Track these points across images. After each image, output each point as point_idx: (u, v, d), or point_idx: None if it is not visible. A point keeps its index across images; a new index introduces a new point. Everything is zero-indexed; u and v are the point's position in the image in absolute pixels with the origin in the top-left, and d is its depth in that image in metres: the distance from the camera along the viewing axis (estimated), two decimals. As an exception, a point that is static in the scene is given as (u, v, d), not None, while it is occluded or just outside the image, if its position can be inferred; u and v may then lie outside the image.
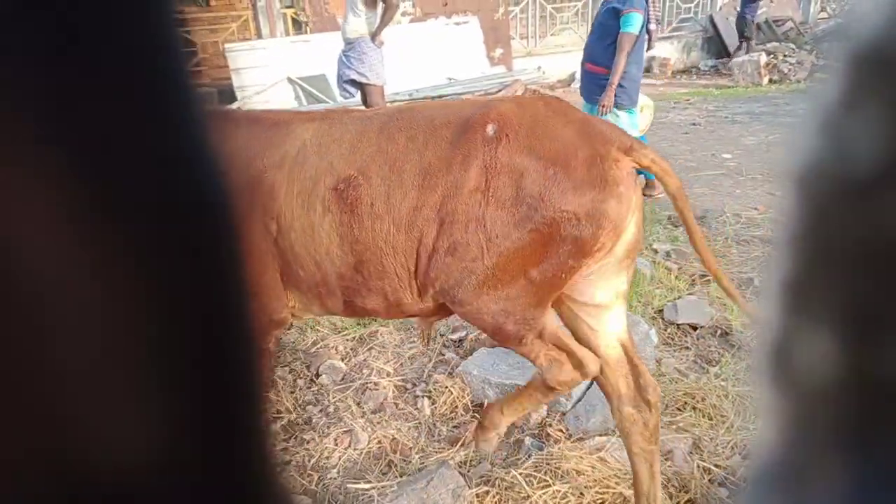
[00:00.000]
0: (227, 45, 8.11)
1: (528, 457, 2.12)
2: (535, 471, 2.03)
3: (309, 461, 2.26)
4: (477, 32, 9.46)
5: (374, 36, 5.06)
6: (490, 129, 1.56)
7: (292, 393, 2.68)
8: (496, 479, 2.03)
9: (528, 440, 2.21)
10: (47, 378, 0.16)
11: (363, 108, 2.05)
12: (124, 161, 0.17)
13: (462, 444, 2.25)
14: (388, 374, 2.77)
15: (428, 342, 2.95)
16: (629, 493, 1.88)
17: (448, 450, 2.25)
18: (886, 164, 0.15)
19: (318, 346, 3.03)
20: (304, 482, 2.16)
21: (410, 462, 2.24)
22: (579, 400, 2.36)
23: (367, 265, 1.67)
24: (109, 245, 0.16)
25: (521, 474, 2.03)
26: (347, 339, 3.06)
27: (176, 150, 0.18)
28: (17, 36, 0.14)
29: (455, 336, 2.97)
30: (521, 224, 1.51)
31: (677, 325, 2.93)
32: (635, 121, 4.55)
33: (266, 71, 7.78)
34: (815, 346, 0.17)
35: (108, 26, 0.16)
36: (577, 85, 10.83)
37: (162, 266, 0.18)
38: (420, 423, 2.45)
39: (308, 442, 2.36)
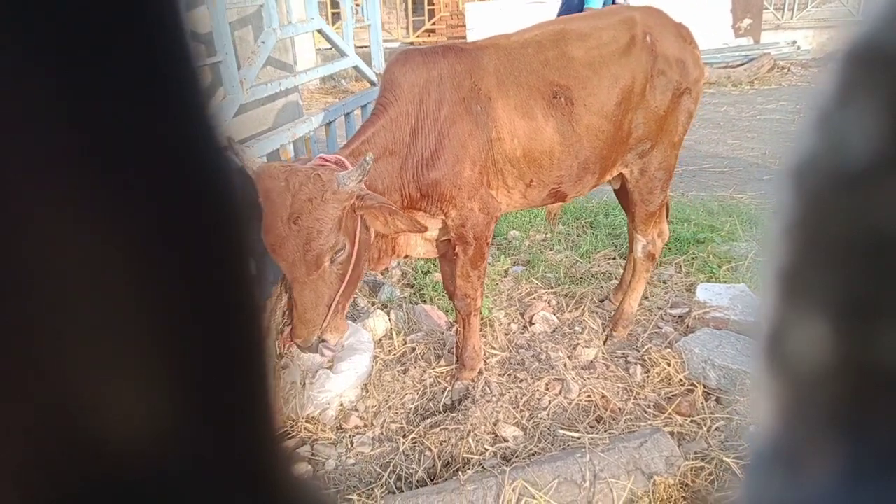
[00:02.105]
0: (466, 4, 8.43)
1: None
2: (759, 460, 1.92)
3: (521, 399, 2.38)
4: (725, 0, 8.66)
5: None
6: (648, 38, 2.31)
7: (506, 335, 2.83)
8: (714, 458, 1.96)
9: (752, 428, 2.09)
10: (62, 359, 0.17)
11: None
12: (134, 153, 0.17)
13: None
14: (599, 335, 2.78)
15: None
16: None
17: (661, 417, 2.22)
18: (878, 158, 0.15)
19: (532, 296, 3.14)
20: (516, 415, 2.29)
21: (619, 422, 2.25)
22: (817, 401, 2.16)
23: (583, 152, 2.30)
24: (118, 234, 0.17)
25: (741, 460, 1.93)
26: (560, 295, 3.12)
27: (184, 142, 0.19)
28: (28, 34, 0.15)
29: (675, 311, 2.87)
30: (671, 98, 2.36)
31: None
32: None
33: (498, 30, 7.97)
34: (809, 333, 0.17)
35: (117, 23, 0.16)
36: (836, 65, 9.40)
37: (169, 251, 0.18)
38: (630, 387, 2.44)
39: (521, 381, 2.48)
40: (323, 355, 2.00)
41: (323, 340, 1.92)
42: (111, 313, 0.17)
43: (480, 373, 2.52)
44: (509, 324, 2.92)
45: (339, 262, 1.88)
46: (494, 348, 2.72)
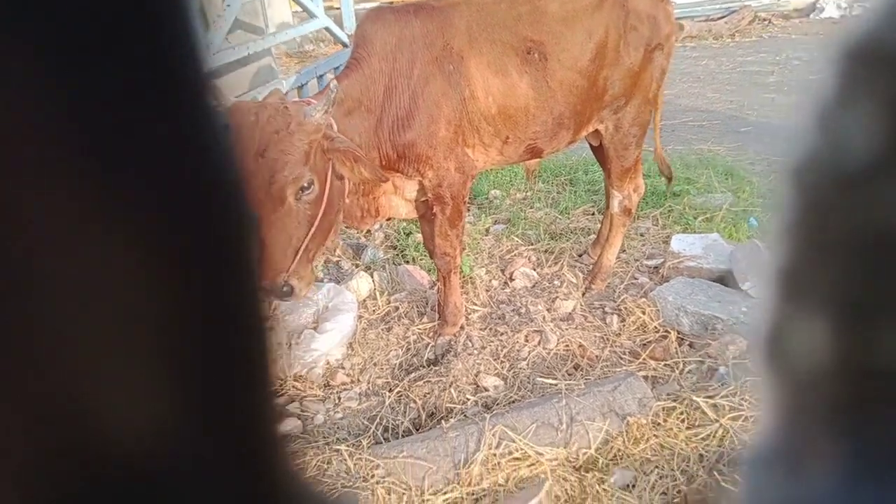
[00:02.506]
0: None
1: (721, 385, 2.11)
2: (727, 398, 2.02)
3: (501, 351, 2.46)
4: (705, -50, 8.54)
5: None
6: None
7: (487, 291, 2.89)
8: (685, 398, 2.06)
9: (721, 369, 2.19)
10: (62, 359, 0.17)
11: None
12: (136, 153, 0.17)
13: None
14: (578, 288, 2.86)
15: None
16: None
17: (636, 362, 2.31)
18: (878, 158, 0.16)
19: (513, 253, 3.20)
20: (497, 366, 2.37)
21: (595, 369, 2.34)
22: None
23: (557, 108, 2.31)
24: (119, 233, 0.17)
25: (710, 399, 2.03)
26: (540, 251, 3.18)
27: (188, 141, 0.19)
28: (28, 32, 0.15)
29: (651, 262, 2.95)
30: (644, 54, 2.40)
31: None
32: None
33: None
34: (809, 333, 0.17)
35: (118, 23, 0.16)
36: (816, 15, 9.37)
37: (171, 250, 0.18)
38: (607, 336, 2.52)
39: (501, 334, 2.56)
40: (284, 301, 1.95)
41: (289, 286, 1.87)
42: (112, 313, 0.17)
43: (462, 328, 2.59)
44: (490, 280, 2.98)
45: (307, 200, 1.85)
46: (476, 304, 2.79)
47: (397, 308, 2.82)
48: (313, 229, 1.88)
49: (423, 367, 2.44)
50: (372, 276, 3.02)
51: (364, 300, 2.88)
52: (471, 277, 2.96)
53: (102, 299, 0.17)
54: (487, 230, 3.47)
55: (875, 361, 0.16)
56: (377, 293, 2.91)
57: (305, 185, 1.83)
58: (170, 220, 0.18)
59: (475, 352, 2.45)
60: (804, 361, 0.18)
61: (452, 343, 2.52)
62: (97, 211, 0.16)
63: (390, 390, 2.33)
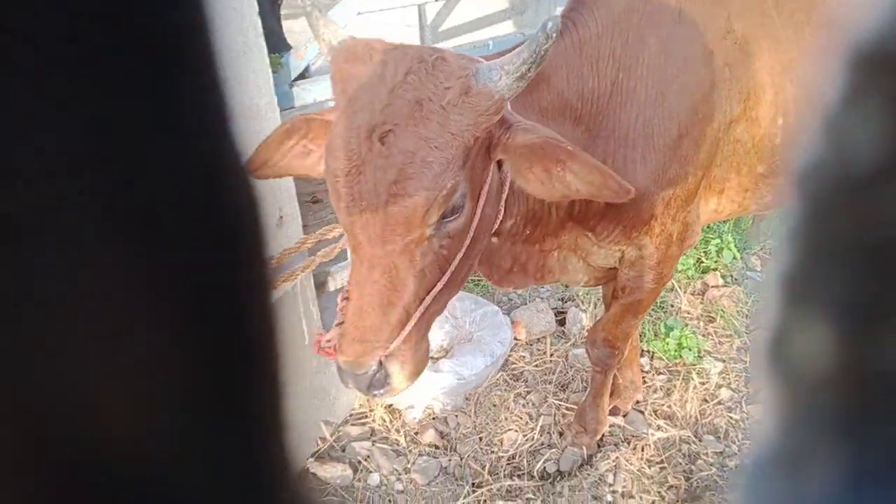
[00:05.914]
0: None
1: None
2: None
3: (649, 517, 1.56)
4: None
5: None
6: None
7: (704, 402, 1.90)
8: None
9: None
10: (66, 361, 0.16)
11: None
12: (146, 161, 0.17)
13: None
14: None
15: None
16: None
17: None
18: (884, 161, 0.16)
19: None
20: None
21: None
22: None
23: None
24: (127, 238, 0.17)
25: None
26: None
27: (199, 150, 0.19)
28: (44, 42, 0.15)
29: None
30: None
31: None
32: None
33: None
34: (813, 337, 0.18)
35: (130, 29, 0.16)
36: None
37: (177, 255, 0.18)
38: None
39: (669, 488, 1.62)
40: (369, 395, 1.09)
41: (384, 374, 1.06)
42: (118, 317, 0.17)
43: (616, 446, 1.74)
44: (717, 388, 1.95)
45: (448, 233, 1.04)
46: (668, 420, 1.84)
47: (565, 369, 2.08)
48: (444, 280, 1.06)
49: (531, 477, 1.72)
50: (569, 311, 2.29)
51: (535, 340, 2.20)
52: (690, 369, 1.98)
53: (106, 308, 0.17)
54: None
55: (879, 366, 0.16)
56: (550, 339, 2.18)
57: (456, 205, 1.03)
58: (175, 233, 0.18)
59: (608, 495, 1.61)
60: (807, 366, 0.18)
61: (585, 462, 1.71)
62: (101, 220, 0.16)
63: (475, 487, 1.70)
